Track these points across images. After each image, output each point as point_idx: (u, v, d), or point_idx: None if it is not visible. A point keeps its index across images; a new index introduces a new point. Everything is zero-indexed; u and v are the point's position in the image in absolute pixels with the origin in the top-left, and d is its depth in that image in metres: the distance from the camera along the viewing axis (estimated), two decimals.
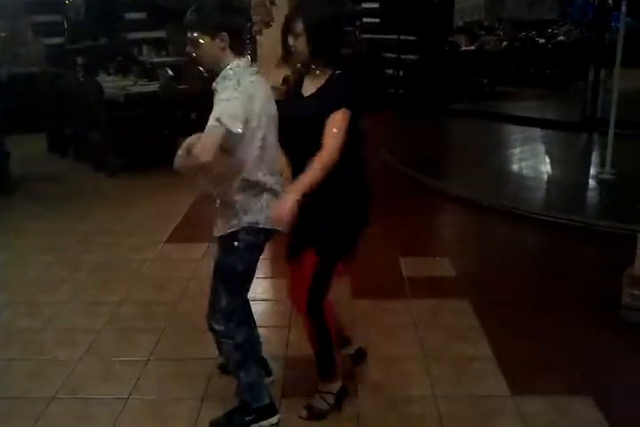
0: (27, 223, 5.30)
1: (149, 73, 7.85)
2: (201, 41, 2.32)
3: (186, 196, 5.62)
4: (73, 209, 5.65)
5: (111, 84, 7.19)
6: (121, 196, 6.04)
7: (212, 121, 2.23)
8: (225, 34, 2.31)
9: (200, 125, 2.29)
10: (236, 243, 2.46)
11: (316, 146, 2.35)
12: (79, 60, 9.15)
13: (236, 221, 2.45)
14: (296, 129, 2.50)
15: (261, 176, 2.44)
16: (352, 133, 2.43)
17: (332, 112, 2.36)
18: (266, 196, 2.46)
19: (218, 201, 2.56)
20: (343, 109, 2.37)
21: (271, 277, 4.12)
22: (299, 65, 2.57)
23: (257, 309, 3.14)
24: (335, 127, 2.36)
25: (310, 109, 2.45)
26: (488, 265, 4.41)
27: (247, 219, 2.44)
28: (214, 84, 2.38)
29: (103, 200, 5.91)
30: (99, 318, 3.63)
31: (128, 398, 2.90)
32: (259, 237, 2.49)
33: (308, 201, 2.31)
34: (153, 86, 7.08)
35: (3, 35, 9.39)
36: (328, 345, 2.68)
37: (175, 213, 5.36)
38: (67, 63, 8.57)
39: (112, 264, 4.44)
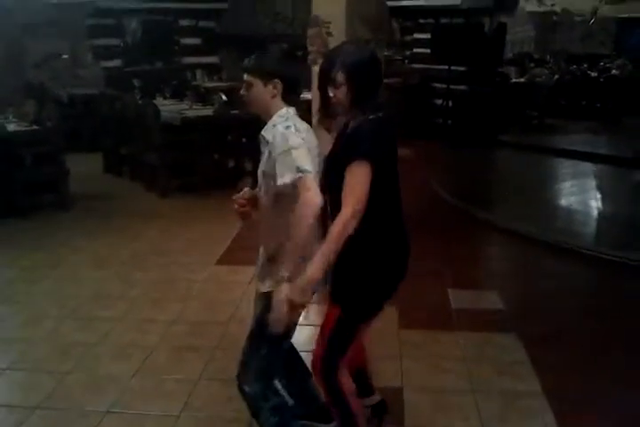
0: (83, 240, 5.46)
1: (203, 97, 8.08)
2: (254, 84, 2.31)
3: (235, 219, 5.69)
4: (127, 227, 5.80)
5: (168, 107, 7.40)
6: (173, 216, 6.17)
7: (292, 173, 2.15)
8: (278, 81, 2.30)
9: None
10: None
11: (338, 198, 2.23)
12: (136, 82, 9.46)
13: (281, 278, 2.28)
14: (326, 180, 2.35)
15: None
16: (378, 188, 2.24)
17: (348, 162, 2.20)
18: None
19: (265, 256, 2.46)
20: (359, 161, 2.19)
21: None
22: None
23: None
24: (352, 183, 2.19)
25: (332, 158, 2.33)
26: (537, 299, 4.37)
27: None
28: (263, 131, 2.33)
29: (156, 220, 6.05)
30: (151, 336, 3.73)
31: (179, 415, 2.97)
32: None
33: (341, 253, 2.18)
34: (207, 110, 7.25)
35: (65, 57, 9.78)
36: (346, 412, 2.49)
37: (225, 236, 5.45)
38: (124, 86, 8.86)
39: (164, 283, 4.54)
